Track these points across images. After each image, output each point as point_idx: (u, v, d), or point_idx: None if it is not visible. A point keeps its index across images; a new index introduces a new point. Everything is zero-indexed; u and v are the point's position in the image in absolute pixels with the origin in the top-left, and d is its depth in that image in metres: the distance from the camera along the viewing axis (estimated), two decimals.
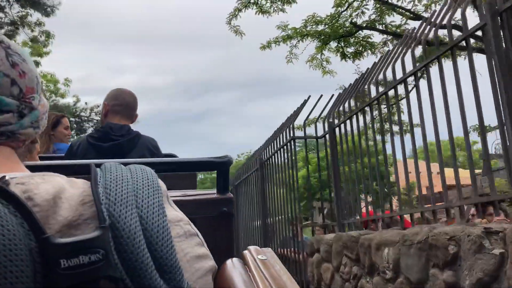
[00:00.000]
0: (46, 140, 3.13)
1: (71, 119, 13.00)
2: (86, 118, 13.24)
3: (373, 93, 3.66)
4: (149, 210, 0.48)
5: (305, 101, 5.06)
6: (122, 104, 2.29)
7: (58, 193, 0.48)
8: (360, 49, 9.98)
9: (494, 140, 16.87)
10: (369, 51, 9.96)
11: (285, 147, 5.20)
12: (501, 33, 2.33)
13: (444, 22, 2.87)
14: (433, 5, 9.33)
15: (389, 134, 3.60)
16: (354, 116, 3.99)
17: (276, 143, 5.59)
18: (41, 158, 1.65)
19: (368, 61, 10.23)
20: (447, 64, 4.65)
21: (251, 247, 0.72)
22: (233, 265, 0.67)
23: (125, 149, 2.13)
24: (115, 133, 2.18)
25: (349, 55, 10.11)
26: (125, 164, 0.57)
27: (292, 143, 4.98)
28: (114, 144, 2.13)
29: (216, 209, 1.09)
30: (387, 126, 4.13)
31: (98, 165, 0.54)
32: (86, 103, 13.35)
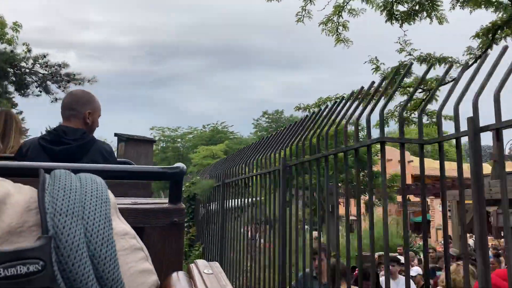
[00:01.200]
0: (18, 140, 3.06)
1: (8, 69, 10.07)
2: (28, 71, 10.29)
3: None
4: (95, 222, 0.47)
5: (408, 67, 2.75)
6: (63, 107, 2.29)
7: (3, 198, 0.47)
8: (416, 8, 7.59)
9: (509, 140, 15.16)
10: (424, 13, 7.62)
11: (353, 151, 2.94)
12: None
13: None
14: None
15: None
16: None
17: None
18: None
19: (417, 28, 7.84)
20: None
21: (199, 261, 0.73)
22: (177, 278, 0.67)
23: (77, 153, 2.10)
24: (68, 136, 2.15)
25: (398, 16, 7.71)
26: (76, 171, 0.59)
27: (381, 146, 2.69)
28: (66, 148, 2.10)
29: (167, 219, 1.00)
30: None
31: (49, 170, 0.58)
32: (29, 50, 10.30)
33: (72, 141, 2.12)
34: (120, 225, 0.53)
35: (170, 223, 0.99)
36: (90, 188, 0.50)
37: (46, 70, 10.41)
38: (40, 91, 10.91)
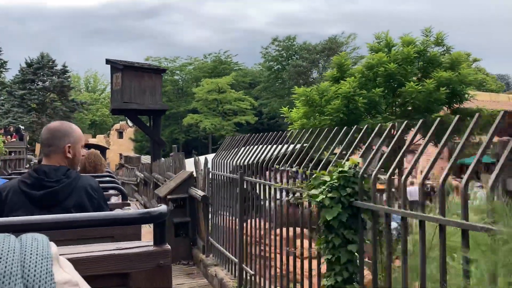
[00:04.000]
0: None
1: None
2: None
3: None
4: (36, 278, 0.50)
5: None
6: (41, 143, 2.25)
7: None
8: None
9: None
10: None
11: None
12: None
13: None
14: None
15: None
16: None
17: None
18: None
19: None
20: None
21: None
22: None
23: (60, 196, 2.06)
24: (49, 178, 2.08)
25: None
26: (54, 223, 0.82)
27: None
28: (48, 192, 2.05)
29: (152, 262, 1.01)
30: None
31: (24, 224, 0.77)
32: None
33: (55, 183, 2.07)
34: (61, 274, 0.55)
35: (156, 266, 0.98)
36: (30, 247, 0.53)
37: None
38: None
